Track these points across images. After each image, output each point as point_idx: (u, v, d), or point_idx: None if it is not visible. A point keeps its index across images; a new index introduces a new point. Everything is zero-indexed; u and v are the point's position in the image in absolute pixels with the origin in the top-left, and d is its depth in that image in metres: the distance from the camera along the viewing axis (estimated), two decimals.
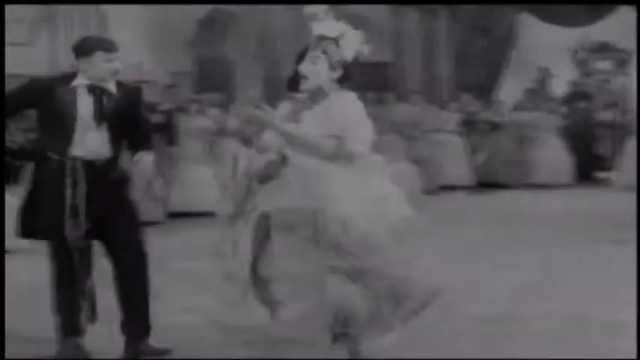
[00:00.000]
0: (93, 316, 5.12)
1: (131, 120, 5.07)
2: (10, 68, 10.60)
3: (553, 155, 15.45)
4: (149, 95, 11.91)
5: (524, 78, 17.99)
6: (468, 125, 15.51)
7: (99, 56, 4.98)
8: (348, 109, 4.49)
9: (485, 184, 14.94)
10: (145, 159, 5.07)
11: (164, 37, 14.28)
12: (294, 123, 4.50)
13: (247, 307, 4.45)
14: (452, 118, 15.38)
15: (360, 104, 4.56)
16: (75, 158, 4.95)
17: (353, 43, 4.62)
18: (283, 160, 4.46)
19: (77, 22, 13.06)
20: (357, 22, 16.20)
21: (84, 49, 5.02)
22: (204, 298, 5.91)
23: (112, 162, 5.04)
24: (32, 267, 6.05)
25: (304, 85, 4.53)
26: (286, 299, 4.33)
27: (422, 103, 15.40)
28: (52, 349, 5.09)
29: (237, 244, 4.44)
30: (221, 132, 12.59)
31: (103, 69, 4.98)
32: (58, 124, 4.96)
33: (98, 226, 4.97)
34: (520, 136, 15.52)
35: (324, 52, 4.52)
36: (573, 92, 17.55)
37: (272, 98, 15.73)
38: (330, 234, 4.23)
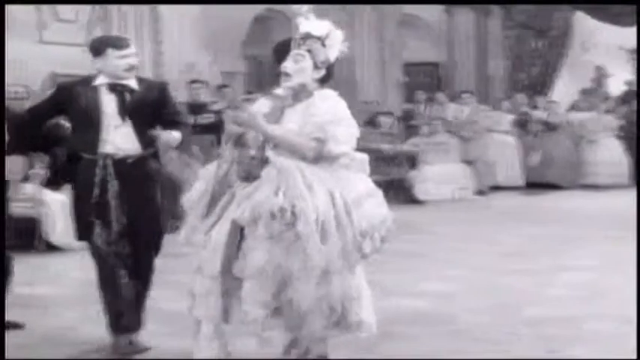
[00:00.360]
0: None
1: (158, 115, 5.06)
2: (64, 69, 10.73)
3: (609, 156, 15.20)
4: (203, 95, 11.99)
5: (580, 78, 17.76)
6: (522, 125, 15.33)
7: (111, 54, 5.02)
8: (330, 109, 4.43)
9: (539, 184, 14.74)
10: (166, 135, 5.04)
11: (217, 37, 14.30)
12: (275, 121, 4.44)
13: (208, 301, 4.40)
14: (505, 118, 15.23)
15: (342, 103, 4.51)
16: (105, 156, 4.99)
17: (337, 43, 4.59)
18: (265, 159, 4.40)
19: (131, 22, 13.13)
20: (410, 22, 16.21)
21: (96, 48, 5.08)
22: None
23: (143, 158, 5.05)
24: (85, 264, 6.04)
25: (287, 83, 4.46)
26: (253, 297, 4.26)
27: (474, 103, 15.24)
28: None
29: (211, 237, 4.41)
30: None
31: (116, 66, 5.02)
32: (86, 123, 5.00)
33: (127, 223, 5.00)
34: (575, 136, 15.29)
35: (309, 50, 4.48)
36: (630, 92, 17.23)
37: None
38: (300, 235, 4.18)
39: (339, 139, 4.37)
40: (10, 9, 11.70)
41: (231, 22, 14.69)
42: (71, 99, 5.06)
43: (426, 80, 18.47)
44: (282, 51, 4.56)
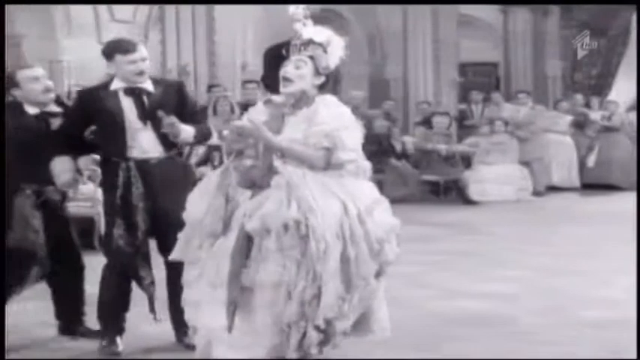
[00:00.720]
0: (153, 313, 5.16)
1: (177, 116, 5.00)
2: None
3: None
4: (256, 95, 11.99)
5: None
6: (580, 126, 15.11)
7: (119, 59, 5.02)
8: (335, 116, 4.36)
9: (597, 185, 14.51)
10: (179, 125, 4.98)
11: (270, 37, 14.30)
12: (277, 129, 4.37)
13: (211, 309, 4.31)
14: (563, 118, 15.01)
15: (346, 109, 4.43)
16: (130, 159, 4.99)
17: (339, 50, 4.50)
18: (271, 168, 4.34)
19: (186, 22, 13.20)
20: (467, 22, 16.08)
21: (106, 53, 5.09)
22: None
23: (168, 160, 5.03)
24: None
25: (287, 88, 4.38)
26: (264, 308, 4.20)
27: (531, 103, 15.07)
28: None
29: (217, 249, 4.34)
30: None
31: (126, 71, 5.02)
32: (110, 127, 5.01)
33: (154, 224, 5.00)
34: (634, 137, 15.02)
35: (311, 57, 4.41)
36: None
37: (377, 99, 15.74)
38: (310, 246, 4.12)
39: (346, 146, 4.32)
40: (69, 9, 11.86)
41: (286, 23, 14.69)
42: (94, 104, 5.08)
43: (482, 80, 18.33)
44: (273, 56, 4.53)
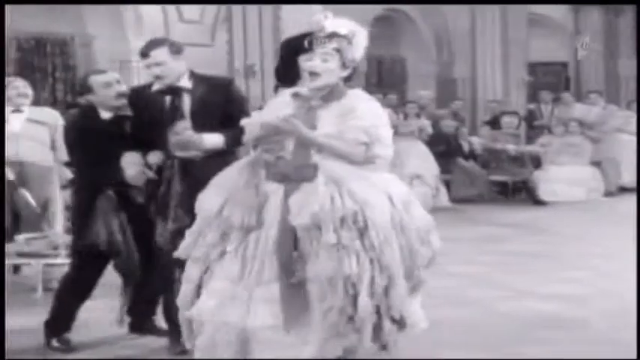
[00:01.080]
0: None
1: (220, 114, 4.98)
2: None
3: None
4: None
5: None
6: None
7: (142, 62, 5.08)
8: (371, 111, 4.31)
9: None
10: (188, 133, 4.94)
11: None
12: (310, 124, 4.30)
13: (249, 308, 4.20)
14: (635, 118, 14.71)
15: (377, 103, 4.39)
16: (173, 157, 4.99)
17: (363, 42, 4.43)
18: (304, 161, 4.27)
19: (253, 22, 13.25)
20: (537, 21, 15.85)
21: (140, 53, 5.10)
22: None
23: (211, 159, 4.95)
24: None
25: (315, 82, 4.30)
26: (315, 303, 4.12)
27: (602, 103, 14.80)
28: None
29: (248, 244, 4.26)
30: (393, 131, 12.52)
31: (148, 74, 5.08)
32: (154, 126, 5.02)
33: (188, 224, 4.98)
34: None
35: (337, 49, 4.32)
36: None
37: (445, 98, 15.62)
38: (371, 237, 4.07)
39: (383, 141, 4.28)
40: (139, 10, 11.99)
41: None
42: (140, 102, 5.13)
43: (551, 80, 18.09)
44: (291, 48, 4.49)
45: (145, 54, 5.04)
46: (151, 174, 5.02)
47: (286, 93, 4.49)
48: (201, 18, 12.75)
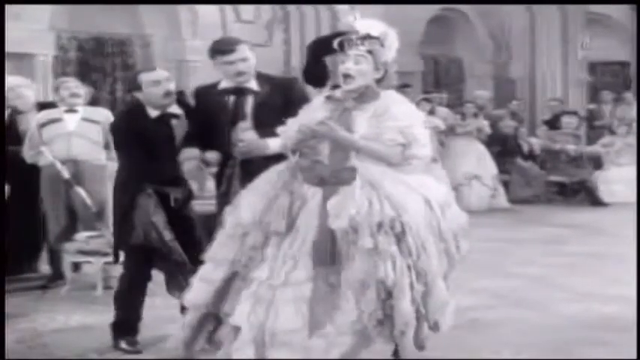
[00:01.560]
0: None
1: (281, 114, 4.86)
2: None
3: None
4: None
5: None
6: None
7: (219, 59, 4.99)
8: (407, 112, 4.30)
9: None
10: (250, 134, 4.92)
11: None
12: (346, 126, 4.27)
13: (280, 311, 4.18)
14: None
15: (411, 104, 4.38)
16: (235, 158, 4.96)
17: (395, 43, 4.39)
18: (342, 164, 4.26)
19: (310, 22, 13.24)
20: (596, 20, 15.54)
21: (209, 53, 5.06)
22: None
23: (269, 159, 4.87)
24: None
25: (349, 85, 4.29)
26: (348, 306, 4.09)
27: None
28: None
29: (282, 247, 4.24)
30: (451, 131, 12.45)
31: (226, 71, 5.00)
32: (217, 126, 5.01)
33: None
34: None
35: (370, 51, 4.29)
36: None
37: (502, 98, 15.40)
38: (408, 243, 4.06)
39: (420, 141, 4.28)
40: (196, 10, 12.06)
41: (408, 22, 14.60)
42: (205, 102, 5.11)
43: (611, 80, 17.83)
44: (318, 50, 4.50)
45: (229, 50, 4.96)
46: (207, 170, 5.01)
47: (320, 97, 4.49)
48: (257, 18, 12.77)
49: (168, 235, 5.12)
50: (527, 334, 5.48)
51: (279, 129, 4.49)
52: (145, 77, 5.23)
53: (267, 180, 4.43)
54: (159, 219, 5.13)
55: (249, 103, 5.02)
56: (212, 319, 4.45)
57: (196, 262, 5.32)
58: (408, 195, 4.16)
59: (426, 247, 4.10)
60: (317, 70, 4.71)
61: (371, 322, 4.05)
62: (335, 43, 4.40)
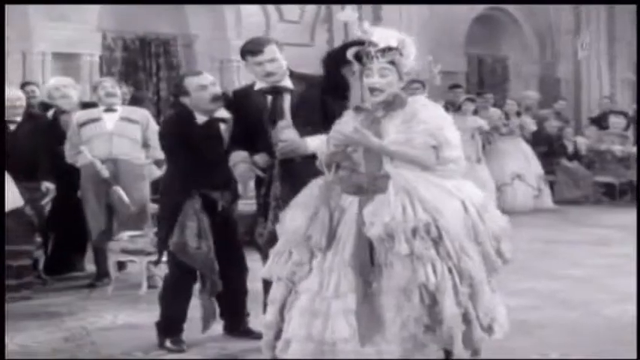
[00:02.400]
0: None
1: (320, 111, 4.90)
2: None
3: None
4: (420, 95, 11.87)
5: None
6: None
7: (250, 60, 4.98)
8: (435, 114, 4.27)
9: None
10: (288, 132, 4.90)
11: (435, 36, 14.19)
12: (376, 134, 4.24)
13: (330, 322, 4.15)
14: None
15: (440, 107, 4.37)
16: (275, 158, 4.95)
17: (412, 51, 4.34)
18: (378, 172, 4.23)
19: (352, 22, 13.21)
20: None
21: (241, 54, 5.04)
22: None
23: (310, 160, 4.82)
24: None
25: (377, 98, 4.25)
26: (392, 314, 4.06)
27: None
28: None
29: (326, 258, 4.22)
30: (496, 130, 12.37)
31: (256, 72, 4.99)
32: (257, 126, 5.00)
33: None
34: None
35: (392, 62, 4.25)
36: None
37: (548, 99, 15.21)
38: (447, 246, 4.02)
39: (451, 143, 4.24)
40: (240, 10, 12.09)
41: (453, 22, 14.53)
42: (244, 103, 5.10)
43: None
44: (336, 60, 4.47)
45: (258, 50, 4.96)
46: (259, 172, 5.00)
47: (350, 110, 4.46)
48: (301, 18, 12.78)
49: (194, 243, 5.11)
50: (574, 335, 5.43)
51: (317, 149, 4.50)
52: (191, 81, 5.22)
53: (307, 195, 4.41)
54: (202, 223, 5.14)
55: (287, 101, 5.01)
56: None
57: (237, 265, 5.35)
58: (443, 198, 4.12)
59: (466, 250, 4.07)
60: (336, 82, 4.71)
61: (419, 329, 4.02)
62: (350, 55, 4.39)
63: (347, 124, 4.35)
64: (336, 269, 4.20)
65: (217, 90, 5.25)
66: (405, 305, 4.03)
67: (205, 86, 5.19)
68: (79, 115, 7.23)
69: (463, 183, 4.29)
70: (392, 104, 4.30)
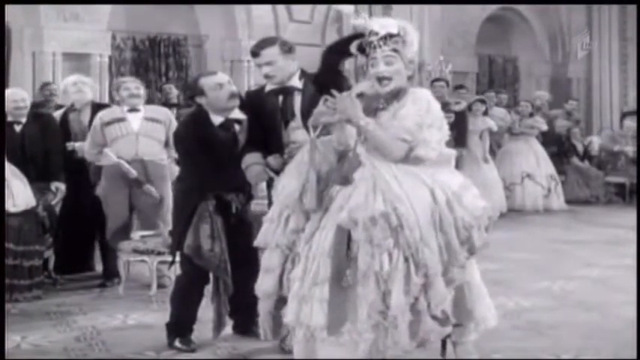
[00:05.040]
0: None
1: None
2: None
3: None
4: (441, 93, 11.81)
5: None
6: None
7: (254, 62, 5.03)
8: (421, 112, 4.21)
9: None
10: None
11: (446, 36, 14.17)
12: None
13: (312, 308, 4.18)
14: None
15: (435, 104, 4.29)
16: (287, 158, 4.91)
17: (415, 37, 4.31)
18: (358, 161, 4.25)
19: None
20: None
21: (251, 52, 5.05)
22: None
23: None
24: None
25: (387, 87, 4.24)
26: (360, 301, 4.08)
27: None
28: None
29: (312, 244, 4.24)
30: (507, 131, 12.34)
31: (261, 73, 5.00)
32: (269, 127, 4.99)
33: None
34: None
35: (395, 50, 4.22)
36: None
37: (559, 99, 15.18)
38: (405, 235, 4.04)
39: (429, 143, 4.21)
40: (250, 10, 12.08)
41: (464, 22, 14.50)
42: (257, 104, 5.08)
43: None
44: (333, 54, 4.51)
45: (255, 53, 5.00)
46: (272, 174, 4.97)
47: (352, 92, 4.39)
48: (311, 18, 12.76)
49: (207, 245, 5.08)
50: (587, 336, 5.39)
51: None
52: (207, 81, 5.18)
53: (298, 161, 4.49)
54: (215, 224, 5.12)
55: (297, 102, 4.99)
56: (284, 303, 4.48)
57: (250, 267, 5.31)
58: (411, 187, 4.12)
59: (426, 239, 4.06)
60: (333, 77, 4.69)
61: (374, 314, 4.04)
62: (353, 48, 4.36)
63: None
64: (317, 257, 4.20)
65: (234, 88, 5.24)
66: (366, 293, 4.05)
67: (222, 85, 5.16)
68: (103, 115, 7.20)
69: (440, 171, 4.25)
70: (393, 97, 4.27)
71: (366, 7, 12.32)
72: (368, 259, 4.04)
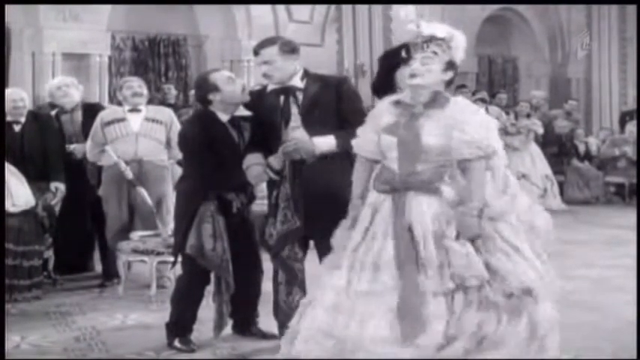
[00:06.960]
0: None
1: (332, 113, 4.88)
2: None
3: None
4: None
5: None
6: None
7: (255, 61, 5.06)
8: (481, 123, 4.23)
9: None
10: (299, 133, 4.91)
11: None
12: (409, 130, 4.24)
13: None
14: None
15: (484, 113, 4.35)
16: (286, 159, 4.92)
17: (462, 45, 4.36)
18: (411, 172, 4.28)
19: (363, 22, 13.20)
20: None
21: (253, 51, 5.07)
22: None
23: (320, 161, 4.84)
24: None
25: (414, 80, 4.26)
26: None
27: None
28: None
29: (365, 255, 4.25)
30: (503, 132, 12.34)
31: (260, 72, 5.02)
32: (270, 126, 5.00)
33: (308, 224, 4.90)
34: None
35: (435, 52, 4.26)
36: None
37: (558, 99, 15.19)
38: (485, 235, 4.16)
39: (499, 152, 4.33)
40: (250, 10, 12.09)
41: (464, 22, 14.50)
42: (259, 103, 5.09)
43: None
44: (388, 61, 4.60)
45: (255, 52, 5.02)
46: (273, 175, 4.97)
47: (386, 100, 4.44)
48: (310, 18, 12.76)
49: (209, 245, 5.08)
50: (587, 336, 5.40)
51: (354, 141, 4.48)
52: (219, 76, 5.18)
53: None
54: (218, 224, 5.11)
55: (298, 101, 4.99)
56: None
57: (251, 267, 5.31)
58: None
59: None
60: (386, 83, 4.71)
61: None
62: (403, 51, 4.41)
63: (381, 117, 4.36)
64: (370, 267, 4.18)
65: (244, 81, 5.27)
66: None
67: (233, 78, 5.18)
68: (104, 115, 7.20)
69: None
70: (432, 102, 4.27)
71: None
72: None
